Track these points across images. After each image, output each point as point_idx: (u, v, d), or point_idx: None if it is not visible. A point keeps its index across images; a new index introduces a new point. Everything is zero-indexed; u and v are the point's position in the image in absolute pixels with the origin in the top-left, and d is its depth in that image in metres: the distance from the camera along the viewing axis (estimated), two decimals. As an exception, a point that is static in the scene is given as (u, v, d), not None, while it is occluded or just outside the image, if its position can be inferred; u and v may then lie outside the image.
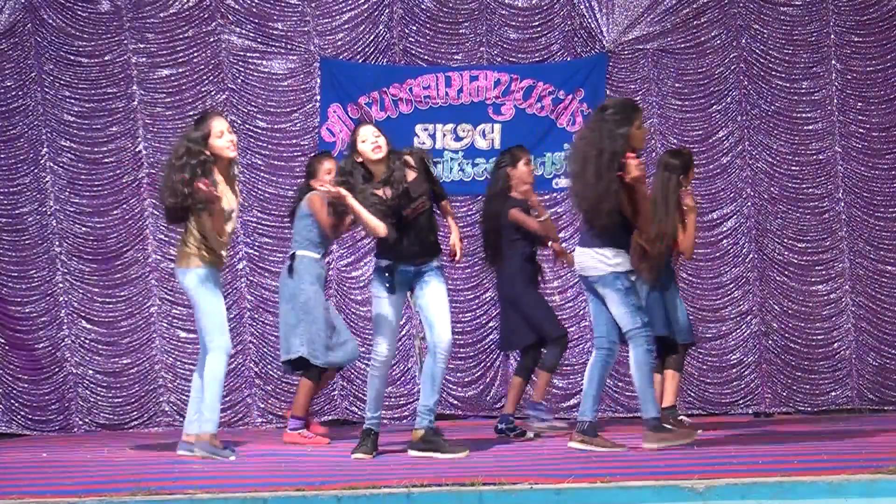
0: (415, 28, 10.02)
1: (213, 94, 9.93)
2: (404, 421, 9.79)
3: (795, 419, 9.53)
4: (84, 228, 9.88)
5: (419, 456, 6.81)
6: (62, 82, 9.87)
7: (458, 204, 9.75)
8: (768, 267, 9.99)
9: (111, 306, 9.87)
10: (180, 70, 9.92)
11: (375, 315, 7.06)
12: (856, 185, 9.99)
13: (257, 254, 9.95)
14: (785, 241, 10.00)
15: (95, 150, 9.91)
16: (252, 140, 9.88)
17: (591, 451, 6.71)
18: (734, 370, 9.95)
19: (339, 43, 9.98)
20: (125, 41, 9.89)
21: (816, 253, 10.02)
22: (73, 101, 9.89)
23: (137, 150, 9.92)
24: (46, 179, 9.87)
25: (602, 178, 6.64)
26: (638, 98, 10.02)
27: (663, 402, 7.88)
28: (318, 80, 9.95)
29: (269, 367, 9.85)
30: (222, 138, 7.00)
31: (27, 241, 9.86)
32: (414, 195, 6.89)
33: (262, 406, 9.81)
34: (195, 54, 9.94)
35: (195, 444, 7.01)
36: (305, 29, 9.97)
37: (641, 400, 6.91)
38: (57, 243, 9.86)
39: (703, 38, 10.02)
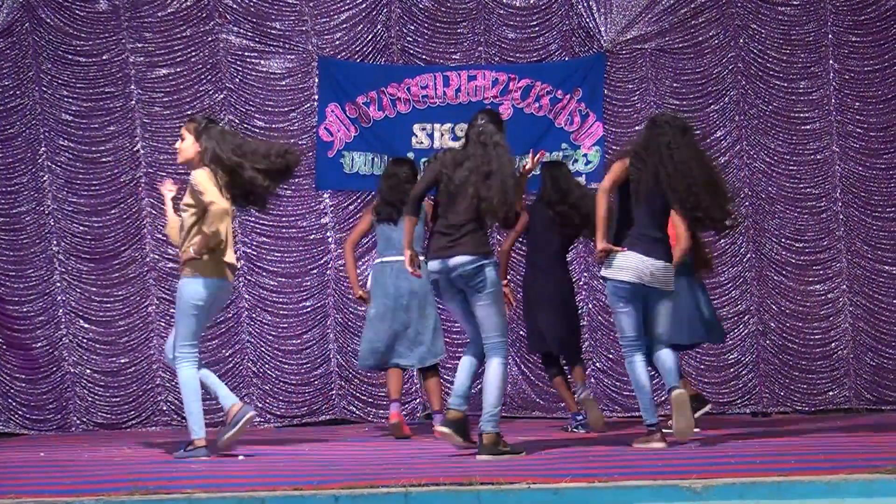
0: (413, 28, 10.02)
1: (210, 93, 9.93)
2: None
3: (793, 419, 9.54)
4: (82, 228, 9.88)
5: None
6: (60, 81, 9.86)
7: (455, 203, 9.74)
8: (766, 266, 10.00)
9: (109, 305, 9.87)
10: (178, 69, 9.92)
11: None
12: (853, 184, 10.00)
13: (255, 253, 9.94)
14: (783, 240, 10.01)
15: (93, 149, 9.90)
16: (250, 139, 9.85)
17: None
18: (732, 370, 9.95)
19: (337, 42, 9.98)
20: (123, 40, 9.88)
21: (814, 253, 10.02)
22: (70, 100, 9.88)
23: (135, 149, 9.91)
24: (44, 179, 9.87)
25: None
26: (636, 98, 10.04)
27: None
28: (316, 80, 9.95)
29: (266, 366, 9.85)
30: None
31: (25, 241, 9.85)
32: None
33: (260, 405, 9.80)
34: (193, 54, 9.94)
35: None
36: (303, 28, 9.97)
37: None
38: (55, 242, 9.85)
39: (700, 38, 10.03)
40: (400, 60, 10.02)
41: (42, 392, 9.79)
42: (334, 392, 9.91)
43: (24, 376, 9.78)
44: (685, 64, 10.04)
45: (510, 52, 10.06)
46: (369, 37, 9.99)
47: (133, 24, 9.88)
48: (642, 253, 6.90)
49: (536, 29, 10.06)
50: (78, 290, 9.84)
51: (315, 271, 9.98)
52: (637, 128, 10.01)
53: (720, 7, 9.99)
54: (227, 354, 9.85)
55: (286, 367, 9.90)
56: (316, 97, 9.95)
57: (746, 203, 10.00)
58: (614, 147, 9.96)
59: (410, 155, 9.87)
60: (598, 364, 9.90)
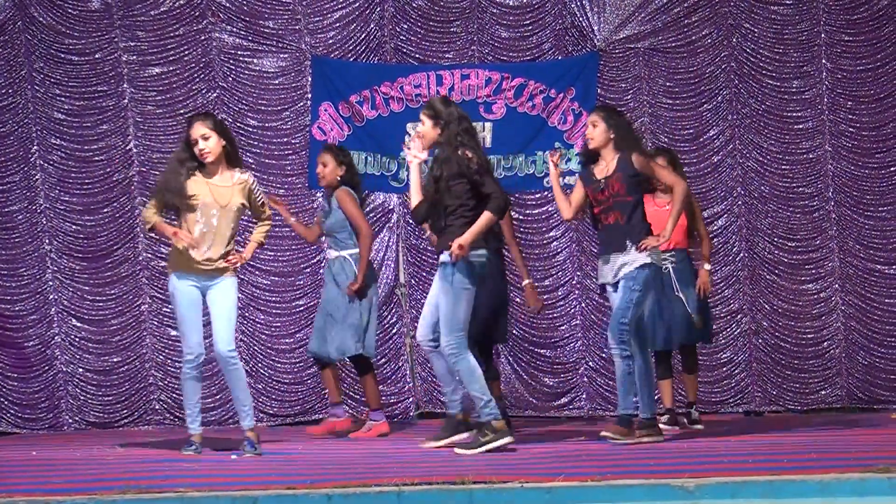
0: (406, 26, 10.02)
1: (203, 92, 9.92)
2: (395, 419, 9.78)
3: (785, 418, 9.55)
4: (74, 226, 9.86)
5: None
6: (52, 80, 9.85)
7: (449, 202, 9.74)
8: (758, 266, 10.01)
9: (101, 304, 9.86)
10: (171, 68, 9.91)
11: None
12: (846, 183, 10.02)
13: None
14: (775, 239, 10.02)
15: (86, 148, 9.89)
16: (243, 138, 9.86)
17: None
18: (724, 369, 9.96)
19: (331, 41, 9.98)
20: (116, 39, 9.87)
21: (806, 252, 10.04)
22: (63, 99, 9.87)
23: (128, 148, 9.90)
24: (36, 177, 9.85)
25: None
26: (629, 97, 10.04)
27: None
28: (310, 79, 9.94)
29: (259, 364, 9.85)
30: (197, 145, 7.08)
31: (17, 239, 9.83)
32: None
33: (253, 404, 9.77)
34: (186, 52, 9.93)
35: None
36: (296, 27, 9.96)
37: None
38: (47, 241, 9.84)
39: (694, 37, 10.04)
40: (393, 59, 10.02)
41: (34, 391, 9.78)
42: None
43: (16, 375, 9.76)
44: (678, 63, 10.04)
45: (503, 51, 10.06)
46: (362, 36, 9.98)
47: (126, 23, 9.86)
48: None
49: (530, 28, 10.07)
50: (70, 289, 9.83)
51: (308, 270, 9.97)
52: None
53: (713, 6, 10.00)
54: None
55: (279, 365, 9.90)
56: (309, 96, 9.95)
57: (739, 202, 10.01)
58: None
59: (403, 154, 9.87)
60: (590, 363, 9.91)
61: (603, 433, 7.22)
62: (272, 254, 9.89)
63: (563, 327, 9.99)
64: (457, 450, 7.00)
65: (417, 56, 10.02)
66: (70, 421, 9.78)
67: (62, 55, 9.84)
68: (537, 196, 10.01)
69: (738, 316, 9.98)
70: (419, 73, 9.96)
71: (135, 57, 9.88)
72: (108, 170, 9.90)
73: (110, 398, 9.83)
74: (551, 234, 10.00)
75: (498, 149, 9.92)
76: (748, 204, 10.02)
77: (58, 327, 9.81)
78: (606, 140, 7.29)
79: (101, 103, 9.89)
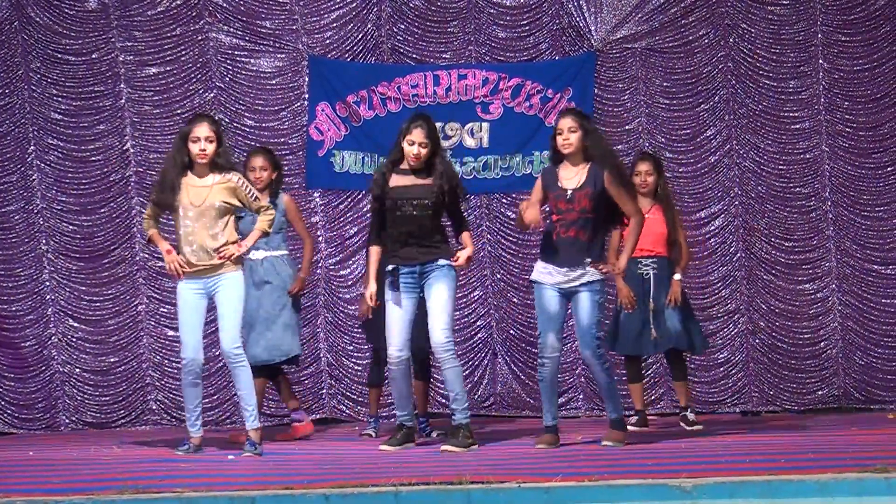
0: (403, 27, 10.01)
1: (200, 92, 9.91)
2: (392, 420, 9.77)
3: (783, 418, 9.55)
4: (71, 227, 9.85)
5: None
6: (49, 80, 9.84)
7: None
8: (755, 266, 10.01)
9: (98, 304, 9.85)
10: (168, 68, 9.90)
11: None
12: (843, 184, 10.02)
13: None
14: (772, 239, 10.02)
15: (82, 148, 9.88)
16: (240, 138, 9.86)
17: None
18: (721, 369, 9.97)
19: (328, 41, 9.97)
20: (112, 39, 9.86)
21: (803, 252, 10.04)
22: (60, 99, 9.86)
23: (125, 148, 9.89)
24: (33, 177, 9.84)
25: None
26: (626, 97, 10.04)
27: None
28: (307, 79, 9.94)
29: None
30: (198, 143, 7.16)
31: (13, 240, 9.83)
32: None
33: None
34: (183, 52, 9.92)
35: None
36: (293, 27, 9.96)
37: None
38: (44, 241, 9.83)
39: (690, 38, 10.04)
40: (390, 59, 10.01)
41: (31, 391, 9.77)
42: (324, 391, 9.90)
43: (12, 375, 9.75)
44: (675, 63, 10.04)
45: (500, 51, 10.06)
46: (359, 36, 9.98)
47: (122, 23, 9.85)
48: None
49: (527, 28, 10.06)
50: (67, 289, 9.82)
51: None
52: (627, 127, 10.04)
53: (710, 6, 10.00)
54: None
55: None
56: (306, 96, 9.94)
57: (736, 202, 10.01)
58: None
59: None
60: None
61: (604, 442, 7.19)
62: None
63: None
64: (446, 448, 7.06)
65: (414, 56, 10.02)
66: (67, 421, 9.77)
67: (59, 55, 9.84)
68: (534, 196, 10.00)
69: (736, 316, 9.98)
70: (416, 73, 9.96)
71: (132, 57, 9.88)
72: (105, 170, 9.89)
73: (107, 398, 9.83)
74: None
75: (495, 149, 9.92)
76: (745, 204, 10.02)
77: (55, 327, 9.80)
78: (581, 148, 7.18)
79: (98, 103, 9.89)
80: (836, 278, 9.98)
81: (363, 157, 9.90)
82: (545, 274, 7.18)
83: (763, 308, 9.98)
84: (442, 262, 7.25)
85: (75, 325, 9.81)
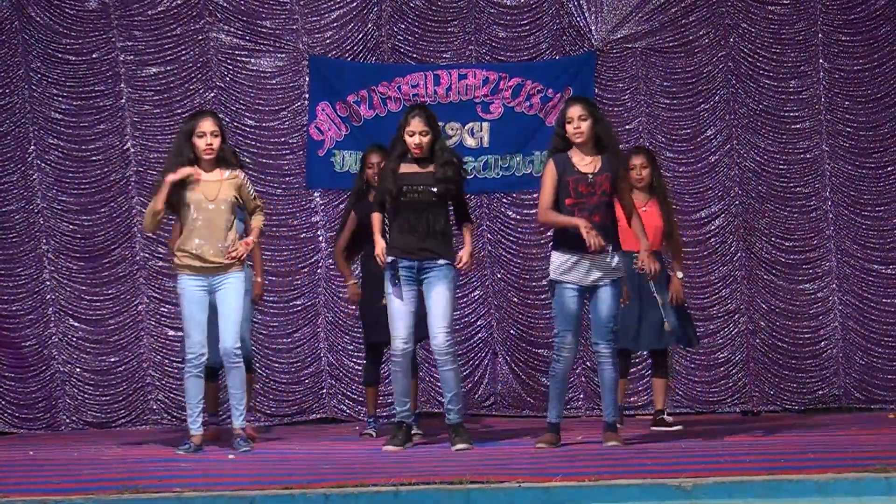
0: (403, 26, 10.01)
1: (201, 91, 9.91)
2: (390, 420, 9.78)
3: (783, 417, 9.55)
4: (71, 226, 9.85)
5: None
6: (49, 80, 9.84)
7: (446, 202, 9.75)
8: (756, 265, 10.01)
9: (99, 304, 9.85)
10: (168, 68, 9.90)
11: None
12: (843, 183, 10.02)
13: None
14: (773, 239, 10.03)
15: (83, 147, 9.88)
16: (240, 138, 9.86)
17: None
18: (722, 368, 9.97)
19: (328, 41, 9.97)
20: (113, 39, 9.86)
21: (804, 251, 10.04)
22: (60, 98, 9.86)
23: (125, 148, 9.89)
24: (34, 177, 9.84)
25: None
26: (626, 97, 10.05)
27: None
28: (307, 78, 9.94)
29: (256, 364, 9.83)
30: (204, 139, 7.19)
31: (14, 239, 9.83)
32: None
33: (250, 404, 9.77)
34: (183, 52, 9.92)
35: None
36: (294, 27, 9.96)
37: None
38: (44, 241, 9.83)
39: (691, 37, 10.04)
40: (390, 59, 10.01)
41: (31, 391, 9.77)
42: (325, 391, 9.90)
43: (13, 375, 9.75)
44: (675, 63, 10.04)
45: (501, 50, 10.06)
46: (360, 35, 9.98)
47: (123, 23, 9.86)
48: None
49: (527, 28, 10.07)
50: (68, 289, 9.82)
51: (306, 270, 9.97)
52: (628, 127, 10.04)
53: (710, 6, 10.00)
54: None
55: (276, 365, 9.89)
56: (306, 96, 9.94)
57: (736, 202, 10.01)
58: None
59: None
60: (587, 363, 9.90)
61: (611, 443, 7.13)
62: (269, 254, 9.88)
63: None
64: (461, 447, 7.09)
65: (415, 56, 10.02)
66: (67, 421, 9.77)
67: (59, 55, 9.84)
68: (534, 196, 9.97)
69: (736, 316, 9.98)
70: (416, 72, 9.96)
71: (132, 57, 9.88)
72: (106, 170, 9.89)
73: (108, 398, 9.83)
74: (549, 233, 9.98)
75: (495, 149, 9.92)
76: (745, 204, 10.02)
77: (55, 327, 9.80)
78: (591, 136, 7.10)
79: (99, 103, 9.89)
80: (837, 278, 9.98)
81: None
82: (565, 270, 6.98)
83: (763, 308, 9.98)
84: (442, 261, 7.22)
85: (76, 324, 9.81)
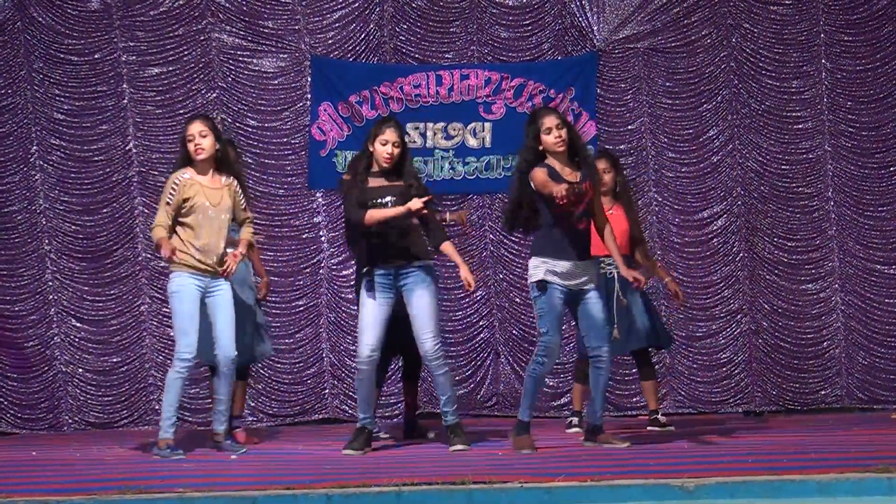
0: (405, 27, 10.02)
1: (203, 92, 9.92)
2: (395, 420, 9.79)
3: (785, 418, 9.55)
4: (74, 227, 9.86)
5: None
6: (52, 80, 9.84)
7: (449, 202, 9.75)
8: (758, 266, 10.01)
9: (101, 304, 9.85)
10: (170, 68, 9.91)
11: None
12: (845, 183, 10.02)
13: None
14: (775, 239, 10.03)
15: (85, 148, 9.88)
16: (242, 139, 9.87)
17: None
18: (724, 369, 9.97)
19: (330, 41, 9.98)
20: (115, 39, 9.86)
21: (806, 252, 10.04)
22: (62, 99, 9.86)
23: (127, 148, 9.89)
24: (36, 177, 9.85)
25: (513, 184, 7.00)
26: (628, 97, 10.05)
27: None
28: (309, 79, 9.94)
29: (258, 365, 9.83)
30: (193, 141, 7.22)
31: (16, 240, 9.83)
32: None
33: (252, 404, 9.79)
34: (185, 52, 9.93)
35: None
36: (296, 27, 9.96)
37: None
38: (46, 241, 9.84)
39: (693, 37, 10.04)
40: (392, 59, 10.02)
41: (34, 391, 9.78)
42: (327, 391, 9.91)
43: (15, 375, 9.76)
44: (678, 63, 10.05)
45: (503, 51, 10.06)
46: (362, 36, 9.99)
47: (125, 23, 9.86)
48: None
49: (529, 28, 10.07)
50: (70, 289, 9.82)
51: (308, 270, 9.97)
52: (630, 127, 10.04)
53: (712, 6, 10.01)
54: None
55: (279, 366, 9.90)
56: (308, 96, 9.95)
57: (739, 202, 10.01)
58: (607, 146, 9.97)
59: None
60: (590, 363, 9.90)
61: (606, 442, 7.11)
62: (271, 254, 9.89)
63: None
64: (458, 447, 7.07)
65: (417, 56, 10.02)
66: (70, 421, 9.77)
67: (62, 55, 9.84)
68: (537, 196, 10.00)
69: (738, 316, 9.98)
70: (419, 73, 9.96)
71: (134, 57, 9.88)
72: (108, 170, 9.90)
73: (110, 398, 9.83)
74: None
75: (497, 149, 9.92)
76: (748, 204, 10.02)
77: (57, 327, 9.81)
78: (566, 144, 7.01)
79: (101, 103, 9.89)
80: (839, 278, 9.98)
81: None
82: (553, 274, 6.92)
83: (766, 308, 9.98)
84: (418, 263, 7.18)
85: (78, 325, 9.82)
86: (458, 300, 10.00)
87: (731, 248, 10.02)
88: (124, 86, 9.88)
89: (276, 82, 10.00)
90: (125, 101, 9.88)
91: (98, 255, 9.87)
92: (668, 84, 10.05)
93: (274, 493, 5.35)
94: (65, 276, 9.82)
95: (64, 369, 9.79)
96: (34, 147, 9.85)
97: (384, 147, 7.16)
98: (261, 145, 9.97)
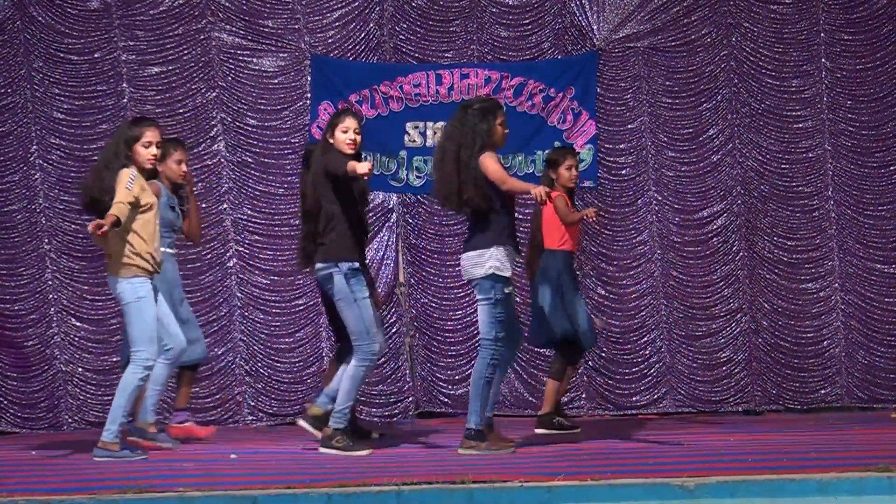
0: (405, 26, 10.01)
1: (203, 91, 9.91)
2: (395, 419, 9.80)
3: (785, 417, 9.56)
4: (73, 226, 9.84)
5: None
6: (51, 80, 9.84)
7: (448, 202, 9.74)
8: (758, 265, 10.01)
9: (100, 304, 9.84)
10: (170, 67, 9.90)
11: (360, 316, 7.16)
12: (845, 183, 10.02)
13: (247, 251, 9.93)
14: (775, 238, 10.03)
15: (85, 147, 9.87)
16: (242, 138, 9.87)
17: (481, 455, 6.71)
18: (724, 368, 9.96)
19: (330, 40, 9.97)
20: (115, 38, 9.86)
21: (806, 251, 10.04)
22: (62, 98, 9.86)
23: (127, 147, 9.87)
24: (36, 177, 9.84)
25: (459, 172, 6.83)
26: (628, 96, 10.04)
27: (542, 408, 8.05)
28: (309, 78, 9.94)
29: (258, 364, 9.85)
30: (150, 149, 7.10)
31: (16, 239, 9.83)
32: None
33: (252, 404, 9.79)
34: (185, 52, 9.92)
35: (93, 451, 7.09)
36: (296, 26, 9.96)
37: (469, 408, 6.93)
38: (46, 241, 9.83)
39: (693, 36, 10.04)
40: (392, 58, 10.01)
41: (34, 390, 9.77)
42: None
43: (15, 374, 9.75)
44: (678, 62, 10.05)
45: (503, 50, 10.06)
46: (362, 35, 9.98)
47: (125, 22, 9.86)
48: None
49: (529, 27, 10.07)
50: (70, 289, 9.82)
51: (308, 270, 9.95)
52: (630, 126, 10.04)
53: (712, 5, 10.00)
54: (220, 353, 9.84)
55: (279, 365, 9.89)
56: (308, 95, 9.94)
57: (739, 201, 10.01)
58: (607, 145, 9.98)
59: (403, 154, 9.87)
60: (590, 362, 9.90)
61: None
62: (271, 253, 9.89)
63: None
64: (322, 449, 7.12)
65: (417, 55, 10.02)
66: (70, 420, 9.77)
67: (61, 54, 9.84)
68: (537, 195, 10.00)
69: (738, 315, 9.98)
70: (418, 72, 9.96)
71: (134, 56, 9.88)
72: (108, 169, 9.88)
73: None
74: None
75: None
76: (748, 203, 10.02)
77: (57, 327, 9.80)
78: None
79: (101, 103, 9.89)
80: (839, 277, 9.98)
81: (365, 157, 9.87)
82: (506, 269, 6.85)
83: (766, 307, 9.98)
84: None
85: (78, 324, 9.81)
86: (458, 299, 9.99)
87: (730, 248, 10.02)
88: (124, 85, 9.88)
89: (276, 81, 10.00)
90: (125, 100, 9.87)
91: (98, 255, 9.84)
92: (667, 83, 10.05)
93: (274, 492, 5.35)
94: (64, 275, 9.82)
95: (64, 368, 9.79)
96: (34, 146, 9.84)
97: (346, 135, 7.25)
98: (261, 144, 9.97)
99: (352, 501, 5.25)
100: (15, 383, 9.75)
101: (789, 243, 10.04)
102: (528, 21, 10.05)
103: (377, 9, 9.97)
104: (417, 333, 9.99)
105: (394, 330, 9.96)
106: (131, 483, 5.58)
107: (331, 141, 7.26)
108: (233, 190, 9.85)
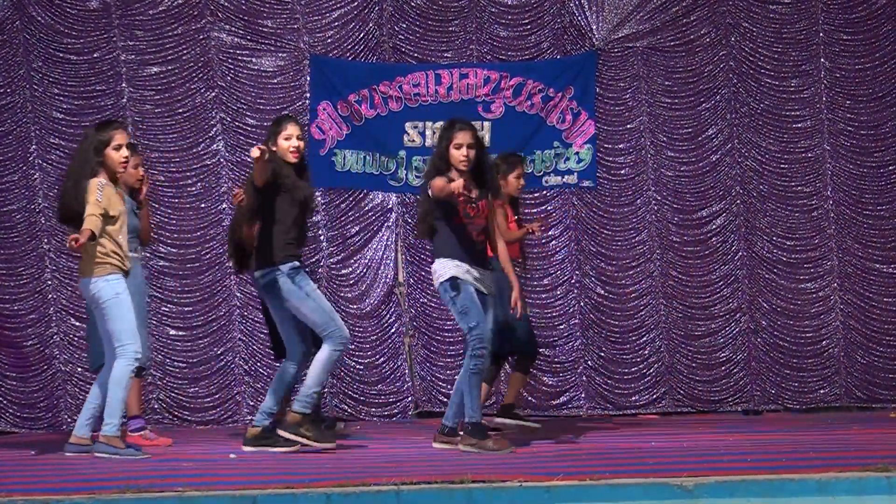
0: (404, 26, 10.01)
1: (202, 91, 9.91)
2: (394, 418, 9.80)
3: (784, 417, 9.57)
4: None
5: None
6: (51, 79, 9.84)
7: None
8: (757, 265, 10.02)
9: (100, 304, 9.83)
10: (169, 67, 9.90)
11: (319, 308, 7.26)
12: (844, 182, 10.03)
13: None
14: (774, 238, 10.03)
15: (84, 147, 9.87)
16: (241, 137, 9.87)
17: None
18: (723, 368, 9.97)
19: (329, 40, 9.97)
20: (114, 38, 9.86)
21: (805, 251, 10.05)
22: (61, 98, 9.86)
23: (126, 147, 9.88)
24: (35, 177, 9.84)
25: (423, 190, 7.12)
26: (627, 96, 10.05)
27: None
28: (308, 78, 9.94)
29: (258, 364, 9.85)
30: (120, 151, 7.11)
31: (16, 239, 9.83)
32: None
33: (252, 403, 9.79)
34: (184, 51, 9.92)
35: (95, 446, 7.11)
36: (295, 26, 9.96)
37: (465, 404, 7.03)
38: (45, 241, 9.83)
39: (692, 36, 10.04)
40: (392, 58, 10.01)
41: (33, 390, 9.77)
42: (326, 390, 9.90)
43: (14, 374, 9.75)
44: (677, 62, 10.05)
45: (502, 50, 10.06)
46: (361, 35, 9.98)
47: (124, 22, 9.86)
48: None
49: (528, 27, 10.07)
50: (69, 288, 9.82)
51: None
52: (629, 126, 10.04)
53: (711, 5, 10.01)
54: (219, 352, 9.84)
55: (278, 365, 9.87)
56: (308, 95, 9.94)
57: (738, 201, 10.02)
58: (606, 145, 9.98)
59: (402, 153, 9.87)
60: (589, 362, 9.91)
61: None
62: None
63: (561, 326, 9.98)
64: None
65: (416, 55, 10.02)
66: (69, 420, 9.75)
67: (60, 54, 9.84)
68: (536, 195, 10.01)
69: (737, 315, 9.99)
70: (418, 72, 9.96)
71: (133, 56, 9.88)
72: (107, 169, 9.88)
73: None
74: (550, 233, 10.00)
75: (497, 148, 9.87)
76: (747, 203, 10.02)
77: (56, 326, 9.80)
78: (475, 165, 7.14)
79: (100, 102, 9.89)
80: (838, 277, 9.98)
81: (365, 157, 9.90)
82: (465, 273, 7.00)
83: (765, 307, 9.99)
84: None
85: (77, 324, 9.81)
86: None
87: (730, 247, 10.03)
88: (123, 85, 9.88)
89: (276, 81, 10.00)
90: (124, 100, 9.87)
91: (97, 255, 9.85)
92: (666, 83, 10.06)
93: (274, 492, 5.35)
94: (64, 275, 9.82)
95: (63, 368, 9.79)
96: (33, 146, 9.85)
97: (289, 142, 7.26)
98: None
99: (351, 501, 5.25)
100: (14, 383, 9.75)
101: (788, 243, 10.04)
102: (527, 21, 10.06)
103: (376, 9, 9.97)
104: (416, 333, 9.99)
105: (392, 330, 9.96)
106: (130, 483, 5.57)
107: (273, 149, 7.20)
108: (232, 190, 9.85)
